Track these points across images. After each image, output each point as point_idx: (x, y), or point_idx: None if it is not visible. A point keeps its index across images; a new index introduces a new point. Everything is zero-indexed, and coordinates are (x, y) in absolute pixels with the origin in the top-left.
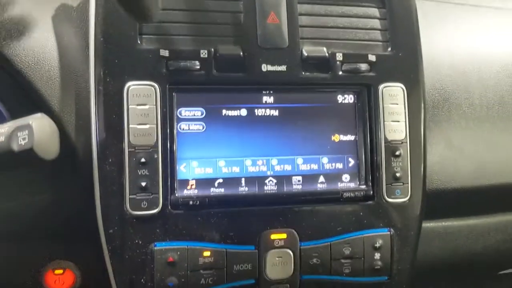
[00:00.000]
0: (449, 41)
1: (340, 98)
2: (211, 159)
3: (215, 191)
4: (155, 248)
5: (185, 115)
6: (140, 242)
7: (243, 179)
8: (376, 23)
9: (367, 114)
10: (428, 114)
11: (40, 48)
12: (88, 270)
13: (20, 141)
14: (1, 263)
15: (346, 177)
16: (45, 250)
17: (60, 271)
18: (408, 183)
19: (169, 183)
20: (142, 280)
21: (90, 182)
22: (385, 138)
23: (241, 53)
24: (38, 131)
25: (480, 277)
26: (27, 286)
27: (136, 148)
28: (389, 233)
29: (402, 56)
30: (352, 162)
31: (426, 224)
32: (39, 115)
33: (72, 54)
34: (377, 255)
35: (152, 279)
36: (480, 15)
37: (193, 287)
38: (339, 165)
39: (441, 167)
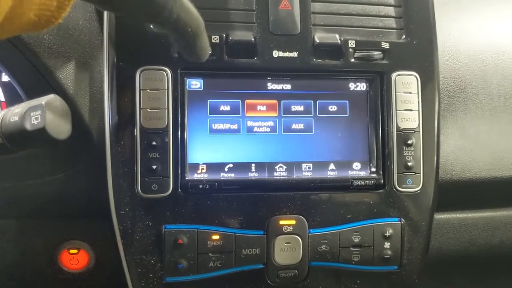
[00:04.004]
0: (467, 30)
1: (352, 85)
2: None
3: (225, 175)
4: (165, 230)
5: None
6: (151, 224)
7: (253, 165)
8: (391, 10)
9: (379, 102)
10: (443, 103)
11: (56, 32)
12: (102, 251)
13: (33, 120)
14: (17, 242)
15: (356, 165)
16: (61, 230)
17: (75, 251)
18: (420, 173)
19: (179, 166)
20: (152, 261)
21: (104, 164)
22: (397, 127)
23: (253, 39)
24: (50, 111)
25: (497, 271)
26: (43, 264)
27: (148, 131)
28: (399, 222)
29: (417, 44)
30: (363, 150)
31: (441, 216)
32: (51, 96)
33: (87, 38)
34: (387, 244)
35: (161, 260)
36: (499, 3)
37: (202, 270)
38: (350, 153)
39: (456, 157)
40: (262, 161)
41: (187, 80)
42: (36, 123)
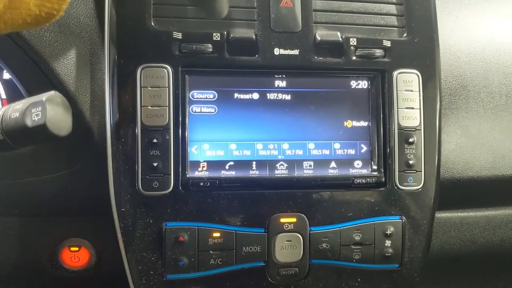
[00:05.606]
0: (469, 28)
1: (353, 83)
2: (223, 142)
3: (226, 173)
4: (166, 227)
5: (197, 98)
6: (151, 221)
7: (254, 163)
8: (392, 8)
9: (381, 100)
10: (444, 102)
11: (57, 29)
12: (103, 248)
13: (34, 117)
14: (18, 239)
15: (358, 163)
16: (61, 228)
17: (76, 249)
18: (421, 171)
19: (180, 164)
20: (153, 258)
21: (105, 161)
22: (399, 125)
23: (254, 37)
24: (51, 108)
25: (498, 270)
26: (43, 262)
27: (148, 128)
28: (401, 220)
29: (418, 42)
30: (364, 148)
31: (442, 214)
32: (52, 92)
33: (88, 35)
34: (388, 242)
35: (162, 257)
36: (501, 1)
37: (202, 267)
38: (351, 151)
39: (457, 156)
40: (263, 159)
41: (188, 77)
42: (36, 120)
